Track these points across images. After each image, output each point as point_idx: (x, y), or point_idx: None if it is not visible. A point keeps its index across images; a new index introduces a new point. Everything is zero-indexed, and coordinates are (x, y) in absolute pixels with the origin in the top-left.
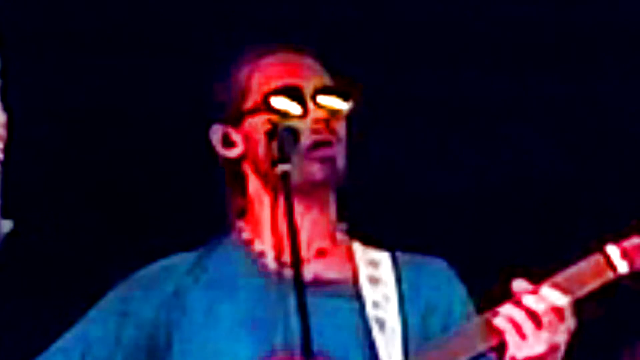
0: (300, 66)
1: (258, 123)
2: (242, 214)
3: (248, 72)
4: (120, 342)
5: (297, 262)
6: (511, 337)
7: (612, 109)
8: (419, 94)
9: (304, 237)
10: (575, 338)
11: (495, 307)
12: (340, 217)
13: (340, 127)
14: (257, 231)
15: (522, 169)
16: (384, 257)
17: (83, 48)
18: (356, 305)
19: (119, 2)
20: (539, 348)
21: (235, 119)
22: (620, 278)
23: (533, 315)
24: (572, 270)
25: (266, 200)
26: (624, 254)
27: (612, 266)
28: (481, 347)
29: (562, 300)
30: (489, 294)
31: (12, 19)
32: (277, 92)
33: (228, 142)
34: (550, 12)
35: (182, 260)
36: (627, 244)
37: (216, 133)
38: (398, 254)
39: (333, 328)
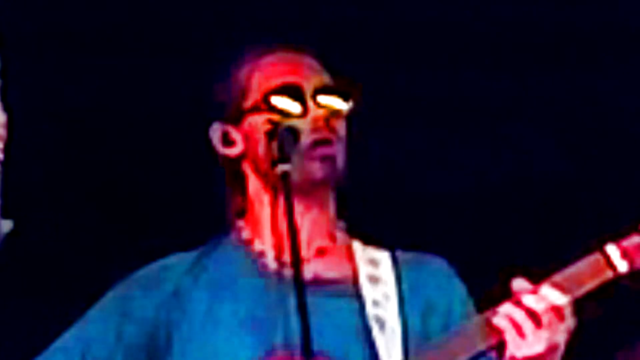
0: (300, 65)
1: (258, 122)
2: (242, 213)
3: (248, 71)
4: (120, 341)
5: (297, 262)
6: (510, 337)
7: (612, 109)
8: (419, 94)
9: (303, 236)
10: (575, 338)
11: (495, 307)
12: (340, 216)
13: (340, 126)
14: (257, 231)
15: (522, 169)
16: (383, 256)
17: (83, 48)
18: (356, 304)
19: (119, 2)
20: (539, 347)
21: (235, 117)
22: (620, 277)
23: (532, 315)
24: (572, 269)
25: (266, 200)
26: (624, 254)
27: (611, 265)
28: (481, 346)
29: (561, 299)
30: (489, 293)
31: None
32: (277, 90)
33: (228, 141)
34: (550, 12)
35: (181, 259)
36: (626, 243)
37: (216, 132)
38: (398, 252)
39: (333, 327)
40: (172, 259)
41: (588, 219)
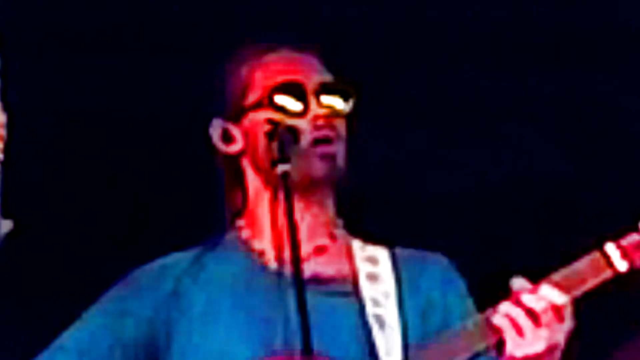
0: (302, 63)
1: (259, 119)
2: (241, 212)
3: (250, 68)
4: (119, 340)
5: (297, 262)
6: (510, 336)
7: (612, 109)
8: (419, 94)
9: (303, 235)
10: (574, 337)
11: (494, 306)
12: (339, 215)
13: (341, 125)
14: (256, 230)
15: (522, 169)
16: (383, 254)
17: (83, 48)
18: (355, 303)
19: (119, 2)
20: (538, 347)
21: (236, 114)
22: (619, 276)
23: (532, 314)
24: (571, 268)
25: (265, 198)
26: (623, 253)
27: (611, 264)
28: (480, 345)
29: (561, 298)
30: (489, 293)
31: (12, 19)
32: (279, 88)
33: (228, 138)
34: (550, 12)
35: (180, 259)
36: (625, 242)
37: (216, 128)
38: (397, 250)
39: (332, 326)
40: (171, 258)
41: (588, 219)
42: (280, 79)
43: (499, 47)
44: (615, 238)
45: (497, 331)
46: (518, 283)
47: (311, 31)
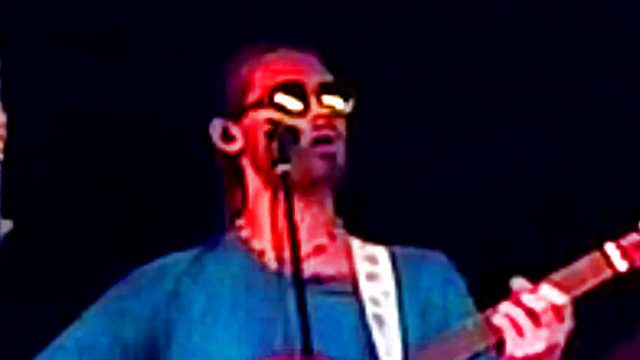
0: (302, 63)
1: (259, 118)
2: (241, 212)
3: (250, 68)
4: (118, 340)
5: (297, 262)
6: (510, 336)
7: (612, 109)
8: (419, 94)
9: (303, 234)
10: (574, 337)
11: (494, 306)
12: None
13: (341, 125)
14: (256, 229)
15: (522, 169)
16: (382, 253)
17: (83, 48)
18: (355, 302)
19: (119, 2)
20: (538, 346)
21: (236, 113)
22: (619, 276)
23: (532, 314)
24: (571, 268)
25: (265, 198)
26: (623, 253)
27: (610, 264)
28: (480, 345)
29: (561, 298)
30: (489, 293)
31: (12, 19)
32: (279, 87)
33: (228, 137)
34: (550, 12)
35: (180, 259)
36: (625, 242)
37: (216, 127)
38: (397, 249)
39: (332, 326)
40: (171, 258)
41: (588, 219)
42: (280, 78)
43: (499, 47)
44: (615, 238)
45: (497, 331)
46: (518, 283)
47: (311, 31)
